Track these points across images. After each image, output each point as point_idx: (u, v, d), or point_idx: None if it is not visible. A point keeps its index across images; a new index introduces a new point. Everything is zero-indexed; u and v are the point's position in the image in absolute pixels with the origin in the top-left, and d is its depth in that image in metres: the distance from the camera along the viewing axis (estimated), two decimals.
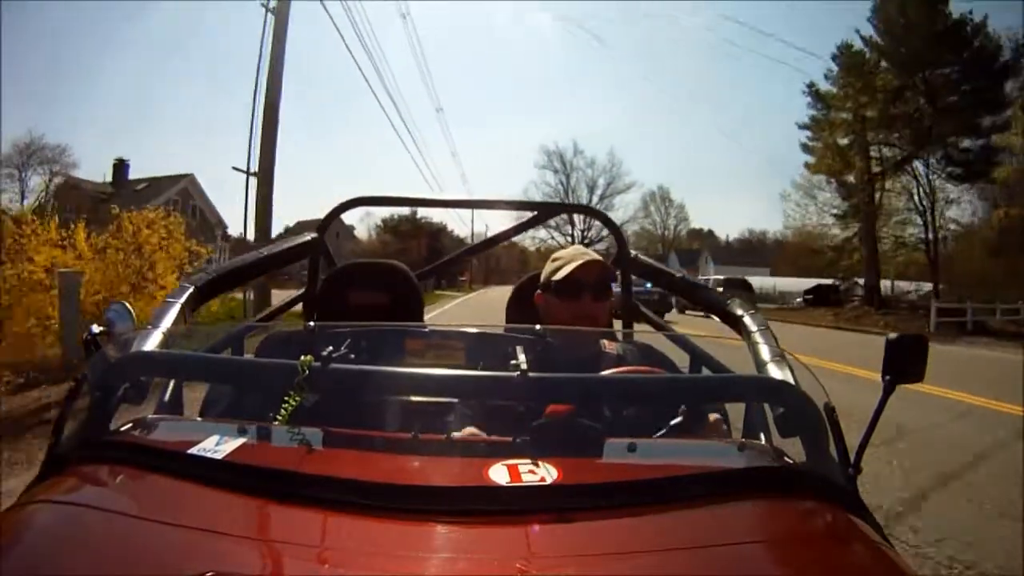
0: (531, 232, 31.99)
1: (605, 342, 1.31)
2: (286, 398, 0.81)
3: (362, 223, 43.55)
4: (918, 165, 21.53)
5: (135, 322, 1.11)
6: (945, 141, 20.45)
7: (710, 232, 48.12)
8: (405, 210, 40.00)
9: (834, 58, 21.84)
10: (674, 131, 68.01)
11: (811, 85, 22.73)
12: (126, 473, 0.76)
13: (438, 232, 43.52)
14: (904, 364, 0.91)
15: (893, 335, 0.92)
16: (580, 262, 1.28)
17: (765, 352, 1.10)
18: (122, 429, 0.90)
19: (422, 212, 40.93)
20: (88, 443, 0.83)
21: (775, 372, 1.02)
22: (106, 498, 0.73)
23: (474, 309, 18.72)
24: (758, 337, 1.21)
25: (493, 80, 70.29)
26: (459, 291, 35.07)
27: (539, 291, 1.37)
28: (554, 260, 1.36)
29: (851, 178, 22.53)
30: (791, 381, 0.96)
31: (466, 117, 72.00)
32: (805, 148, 23.56)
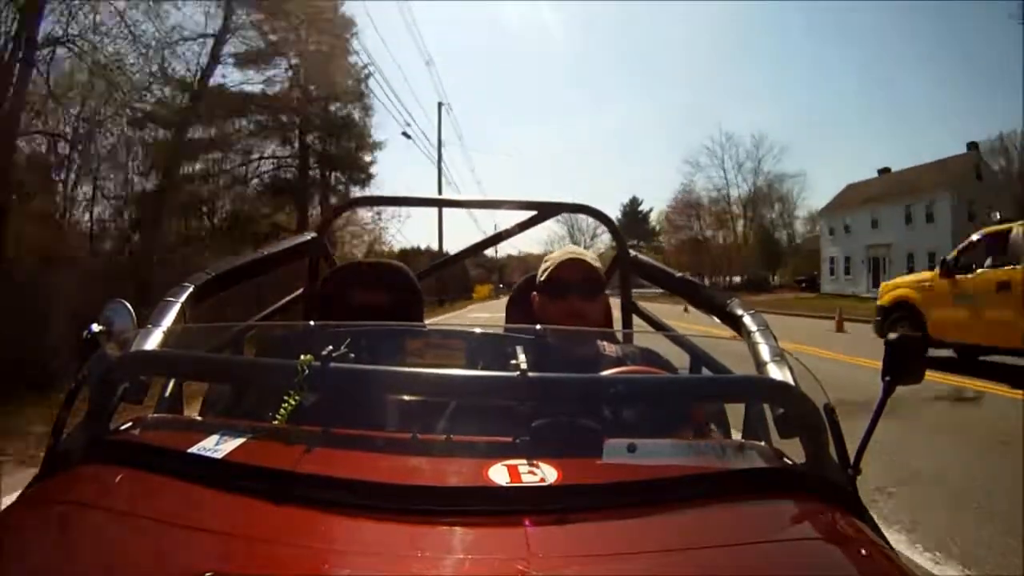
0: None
1: (605, 343, 1.31)
2: (285, 398, 0.81)
3: None
4: None
5: (135, 321, 1.11)
6: None
7: None
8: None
9: None
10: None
11: None
12: (126, 473, 0.76)
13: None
14: (903, 365, 0.91)
15: (893, 335, 0.91)
16: (562, 260, 1.29)
17: (765, 352, 1.10)
18: (122, 428, 0.90)
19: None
20: (88, 442, 0.83)
21: (775, 372, 1.02)
22: (105, 498, 0.73)
23: None
24: (758, 337, 1.20)
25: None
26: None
27: (534, 292, 1.38)
28: (545, 260, 1.37)
29: None
30: (791, 381, 0.96)
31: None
32: None
